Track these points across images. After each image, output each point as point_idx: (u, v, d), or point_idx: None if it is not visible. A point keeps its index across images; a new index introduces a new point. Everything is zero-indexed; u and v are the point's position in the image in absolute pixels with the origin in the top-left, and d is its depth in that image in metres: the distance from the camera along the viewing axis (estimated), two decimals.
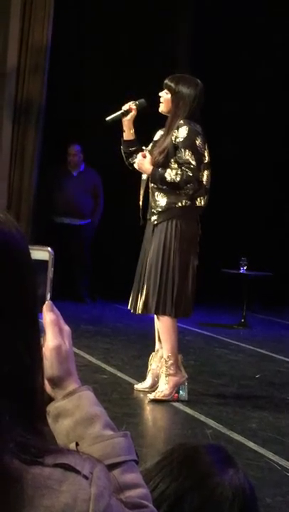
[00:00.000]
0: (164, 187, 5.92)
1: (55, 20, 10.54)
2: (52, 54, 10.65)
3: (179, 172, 5.87)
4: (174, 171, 5.89)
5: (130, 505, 1.19)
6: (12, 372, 1.08)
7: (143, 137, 6.29)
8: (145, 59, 10.99)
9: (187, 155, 5.89)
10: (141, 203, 6.14)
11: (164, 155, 5.92)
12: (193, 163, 5.88)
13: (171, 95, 5.99)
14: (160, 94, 6.05)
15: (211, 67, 11.38)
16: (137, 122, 6.21)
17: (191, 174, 5.87)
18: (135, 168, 6.15)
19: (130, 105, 6.14)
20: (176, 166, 5.91)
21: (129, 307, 6.17)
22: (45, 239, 9.09)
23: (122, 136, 6.23)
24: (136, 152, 6.11)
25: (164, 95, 6.03)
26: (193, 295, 6.04)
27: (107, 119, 6.15)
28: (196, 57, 11.39)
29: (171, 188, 5.92)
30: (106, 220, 11.06)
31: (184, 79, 6.08)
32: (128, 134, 6.19)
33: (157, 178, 5.92)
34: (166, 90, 6.03)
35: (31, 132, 10.63)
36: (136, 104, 6.13)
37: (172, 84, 6.00)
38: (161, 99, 6.04)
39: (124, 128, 6.19)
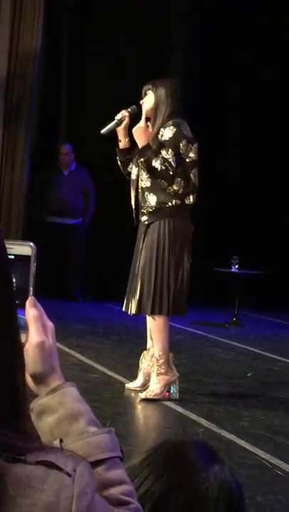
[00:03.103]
0: (147, 174, 5.91)
1: (46, 22, 10.53)
2: (43, 56, 10.65)
3: (164, 165, 5.87)
4: (160, 162, 5.87)
5: (114, 501, 1.18)
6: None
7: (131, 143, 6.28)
8: (140, 60, 10.98)
9: (169, 155, 5.89)
10: (133, 203, 6.13)
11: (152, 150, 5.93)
12: (174, 164, 5.90)
13: (152, 96, 6.02)
14: (141, 101, 6.07)
15: (211, 67, 11.41)
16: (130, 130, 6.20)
17: (171, 172, 5.88)
18: (132, 177, 6.14)
19: (123, 113, 6.14)
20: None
21: (124, 309, 6.15)
22: (38, 238, 9.04)
23: (118, 145, 6.22)
24: (132, 160, 6.12)
25: (146, 99, 6.06)
26: (187, 294, 6.03)
27: (103, 131, 6.14)
28: (195, 60, 11.41)
29: (148, 173, 5.91)
30: (98, 220, 11.06)
31: (160, 80, 6.18)
32: (124, 142, 6.19)
33: (145, 156, 5.90)
34: (145, 94, 6.06)
35: (21, 133, 10.62)
36: (128, 112, 6.13)
37: (150, 86, 6.08)
38: (143, 104, 6.07)
39: (120, 137, 6.18)
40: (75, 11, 11.39)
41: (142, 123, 5.99)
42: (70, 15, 11.41)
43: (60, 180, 11.05)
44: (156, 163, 5.87)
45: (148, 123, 6.03)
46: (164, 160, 5.88)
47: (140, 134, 5.96)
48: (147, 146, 5.92)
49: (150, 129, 6.02)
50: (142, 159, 5.91)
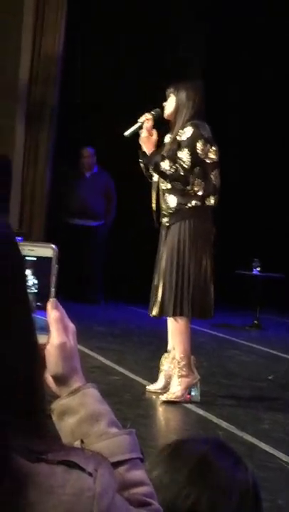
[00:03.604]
0: (171, 183, 5.93)
1: (68, 25, 10.58)
2: (65, 59, 10.69)
3: (174, 167, 5.90)
4: (170, 164, 5.90)
5: (135, 502, 1.18)
6: (11, 371, 1.07)
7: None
8: (156, 62, 10.99)
9: (185, 154, 5.92)
10: (154, 205, 6.14)
11: (169, 153, 5.95)
12: (188, 163, 5.91)
13: (174, 98, 6.05)
14: (164, 103, 6.11)
15: (211, 67, 11.39)
16: None
17: (182, 173, 5.89)
18: (153, 179, 6.16)
19: (146, 116, 6.15)
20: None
21: (149, 312, 6.16)
22: (59, 240, 9.06)
23: (140, 148, 6.24)
24: None
25: (168, 102, 6.08)
26: (212, 296, 6.02)
27: (126, 133, 6.15)
28: (195, 60, 11.41)
29: (161, 178, 5.93)
30: (120, 222, 11.07)
31: (182, 82, 6.19)
32: None
33: (152, 162, 5.95)
34: (168, 96, 6.08)
35: (44, 136, 10.67)
36: (152, 114, 6.14)
37: (172, 89, 6.10)
38: (166, 106, 6.09)
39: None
40: (97, 13, 11.42)
41: (144, 133, 6.02)
42: (92, 16, 11.44)
43: (82, 183, 11.08)
44: (164, 166, 5.89)
45: (152, 130, 6.04)
46: (175, 160, 5.89)
47: (147, 143, 6.00)
48: (153, 154, 5.94)
49: (155, 136, 6.04)
50: (150, 168, 5.96)
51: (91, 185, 11.04)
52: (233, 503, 1.39)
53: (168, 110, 6.10)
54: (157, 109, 6.18)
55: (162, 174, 5.94)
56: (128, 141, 6.21)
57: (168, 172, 5.91)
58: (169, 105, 6.10)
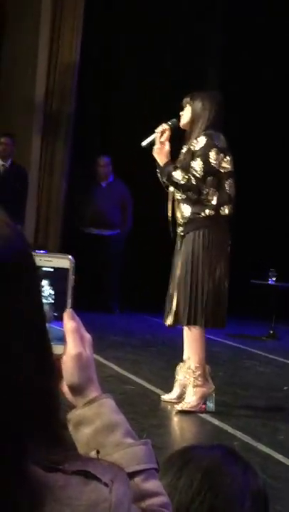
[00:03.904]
0: (184, 193, 5.95)
1: (85, 32, 10.62)
2: (81, 68, 10.74)
3: (186, 176, 5.92)
4: (182, 174, 5.93)
5: None
6: (27, 381, 1.08)
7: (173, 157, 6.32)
8: (176, 69, 11.02)
9: (198, 163, 5.93)
10: (170, 215, 6.16)
11: (183, 164, 5.97)
12: (200, 172, 5.93)
13: (189, 108, 6.06)
14: (181, 113, 6.12)
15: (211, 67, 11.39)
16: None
17: (194, 183, 5.92)
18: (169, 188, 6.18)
19: (163, 126, 6.16)
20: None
21: (164, 321, 6.17)
22: (75, 249, 9.10)
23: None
24: None
25: (184, 112, 6.10)
26: (226, 306, 6.03)
27: (143, 144, 6.16)
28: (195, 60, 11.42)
29: (175, 188, 5.95)
30: (136, 231, 11.08)
31: (199, 93, 6.20)
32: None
33: (165, 173, 5.98)
34: (184, 106, 6.10)
35: (60, 147, 10.71)
36: (169, 125, 6.15)
37: (188, 99, 6.13)
38: (182, 116, 6.11)
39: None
40: (107, 21, 11.46)
41: (157, 144, 6.03)
42: (105, 24, 11.48)
43: (98, 192, 11.10)
44: (177, 176, 5.92)
45: (166, 142, 6.05)
46: (189, 170, 5.91)
47: (160, 154, 6.02)
48: (166, 164, 5.97)
49: (168, 147, 6.05)
50: (164, 179, 5.98)
51: (107, 194, 11.06)
52: (246, 509, 1.40)
53: (184, 120, 6.12)
54: (174, 120, 6.19)
55: (175, 184, 5.97)
56: (146, 150, 6.23)
57: (180, 182, 5.93)
58: (185, 115, 6.12)
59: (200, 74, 11.13)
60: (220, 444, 1.52)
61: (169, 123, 6.18)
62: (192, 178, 5.93)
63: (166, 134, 6.16)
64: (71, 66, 10.62)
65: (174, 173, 5.95)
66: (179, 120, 6.16)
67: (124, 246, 11.11)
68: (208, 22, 11.59)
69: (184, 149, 6.15)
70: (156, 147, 6.06)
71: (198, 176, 5.94)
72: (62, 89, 10.63)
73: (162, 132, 6.16)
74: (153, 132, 6.18)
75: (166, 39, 11.28)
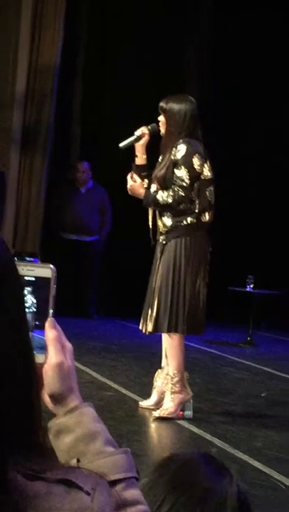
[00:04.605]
0: (178, 207, 5.96)
1: (64, 38, 10.62)
2: (60, 72, 10.73)
3: (171, 193, 5.92)
4: (166, 193, 5.94)
5: None
6: (9, 389, 1.08)
7: (151, 162, 6.32)
8: (157, 73, 11.03)
9: (182, 172, 5.93)
10: (150, 223, 6.17)
11: (163, 174, 5.96)
12: (187, 181, 5.93)
13: (164, 115, 6.05)
14: (159, 118, 6.12)
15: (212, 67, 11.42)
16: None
17: (183, 194, 5.92)
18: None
19: (143, 130, 6.17)
20: (172, 185, 5.96)
21: (140, 327, 6.17)
22: (54, 255, 9.10)
23: (134, 161, 6.26)
24: (147, 177, 6.15)
25: (161, 118, 6.10)
26: (204, 312, 6.05)
27: (121, 145, 6.17)
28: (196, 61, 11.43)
29: (164, 210, 5.97)
30: (114, 237, 11.09)
31: (174, 97, 6.15)
32: (141, 158, 6.22)
33: (150, 201, 6.00)
34: (161, 112, 6.09)
35: (39, 150, 10.68)
36: (148, 129, 6.16)
37: (163, 105, 6.08)
38: (160, 123, 6.10)
39: (137, 153, 6.22)
40: (90, 25, 11.46)
41: (129, 182, 6.07)
42: (86, 29, 11.49)
43: (77, 198, 11.10)
44: (163, 197, 5.93)
45: (133, 175, 6.07)
46: (176, 180, 5.91)
47: (134, 191, 6.08)
48: (146, 195, 6.01)
49: (138, 179, 6.09)
50: (151, 207, 5.99)
51: (86, 200, 11.06)
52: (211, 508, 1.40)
53: (162, 127, 6.09)
54: (154, 124, 6.19)
55: (165, 206, 5.96)
56: (125, 154, 6.24)
57: (169, 201, 5.93)
58: (162, 121, 6.08)
59: (180, 77, 11.16)
60: (202, 451, 1.53)
61: (149, 127, 6.18)
62: (179, 189, 5.92)
63: (145, 139, 6.17)
64: (51, 67, 10.60)
65: (158, 197, 5.95)
66: (158, 125, 6.15)
67: (103, 252, 11.11)
68: (190, 21, 11.63)
69: (160, 159, 6.12)
70: (128, 186, 6.07)
71: (185, 184, 5.94)
72: (42, 89, 10.60)
73: (141, 136, 6.16)
74: (132, 135, 6.19)
75: (147, 40, 11.29)
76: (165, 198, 5.94)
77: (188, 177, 5.94)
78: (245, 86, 11.71)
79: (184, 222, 6.00)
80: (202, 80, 11.59)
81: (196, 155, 5.98)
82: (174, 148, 6.00)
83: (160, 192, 5.96)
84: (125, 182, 6.22)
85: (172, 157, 5.99)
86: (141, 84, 11.12)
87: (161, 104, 6.10)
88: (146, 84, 10.96)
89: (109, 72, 11.44)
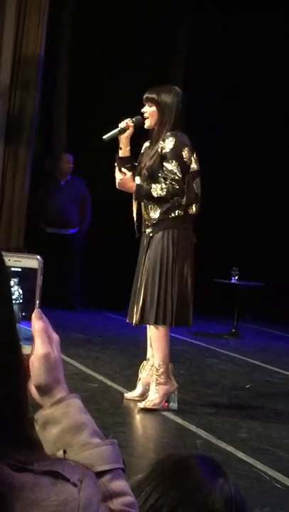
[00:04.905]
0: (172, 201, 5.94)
1: (49, 31, 10.58)
2: (44, 63, 10.69)
3: (164, 186, 5.90)
4: (160, 186, 5.92)
5: None
6: None
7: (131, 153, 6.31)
8: (142, 66, 11.01)
9: (173, 166, 5.92)
10: (135, 215, 6.15)
11: (152, 165, 5.95)
12: (179, 174, 5.92)
13: (156, 106, 6.03)
14: (143, 110, 6.08)
15: (211, 68, 11.41)
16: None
17: (177, 187, 5.91)
18: None
19: (127, 122, 6.15)
20: (162, 179, 5.93)
21: (128, 320, 6.16)
22: (36, 248, 9.10)
23: (118, 153, 6.24)
24: (131, 169, 6.14)
25: (148, 109, 6.06)
26: (192, 304, 6.05)
27: (104, 137, 6.15)
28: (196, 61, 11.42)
29: (157, 203, 5.95)
30: (98, 229, 11.08)
31: (163, 88, 6.14)
32: (124, 151, 6.20)
33: (143, 195, 5.97)
34: (148, 103, 6.06)
35: (24, 142, 10.64)
36: (133, 121, 6.14)
37: (154, 96, 6.04)
38: (146, 114, 6.07)
39: (121, 145, 6.19)
40: (74, 17, 11.42)
41: (118, 176, 6.05)
42: (70, 20, 11.45)
43: (57, 190, 11.07)
44: (157, 190, 5.90)
45: (123, 170, 6.04)
46: (167, 174, 5.90)
47: (124, 185, 6.04)
48: (138, 188, 5.97)
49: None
50: (144, 200, 5.97)
51: (66, 192, 11.04)
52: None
53: (151, 122, 6.06)
54: (138, 117, 6.17)
55: (158, 199, 5.94)
56: (108, 146, 6.22)
57: (162, 194, 5.91)
58: (152, 112, 6.06)
59: (166, 71, 11.15)
60: (200, 454, 1.51)
61: (134, 120, 6.17)
62: (173, 183, 5.91)
63: (129, 131, 6.15)
64: (35, 58, 10.56)
65: (152, 191, 5.92)
66: (143, 118, 6.14)
67: (86, 243, 11.10)
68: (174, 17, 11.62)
69: (149, 150, 6.12)
70: (117, 181, 6.04)
71: (177, 178, 5.92)
72: (27, 81, 10.56)
73: (125, 128, 6.15)
74: (116, 127, 6.17)
75: (147, 40, 11.27)
76: (159, 192, 5.91)
77: (179, 170, 5.93)
78: (245, 86, 11.72)
79: (172, 215, 5.99)
80: (202, 79, 11.58)
81: (186, 148, 5.97)
82: (161, 141, 5.98)
83: (153, 185, 5.93)
84: (111, 175, 6.20)
85: (159, 150, 5.97)
86: (141, 84, 11.10)
87: (152, 95, 6.06)
88: (147, 84, 10.93)
89: (109, 72, 11.41)
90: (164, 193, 5.90)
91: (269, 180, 11.77)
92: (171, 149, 5.94)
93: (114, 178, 6.22)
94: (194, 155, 6.06)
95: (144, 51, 11.23)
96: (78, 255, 11.02)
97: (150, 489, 1.41)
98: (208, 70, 11.84)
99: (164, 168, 5.93)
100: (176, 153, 5.94)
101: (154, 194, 5.92)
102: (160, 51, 11.43)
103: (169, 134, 5.98)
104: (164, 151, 5.96)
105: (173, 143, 5.95)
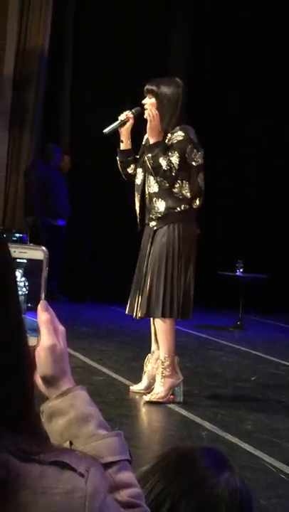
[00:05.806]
0: (159, 178, 5.92)
1: (53, 26, 10.58)
2: (48, 58, 10.69)
3: (169, 166, 5.90)
4: (167, 162, 5.90)
5: (123, 504, 1.19)
6: (2, 371, 1.08)
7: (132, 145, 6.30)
8: (142, 61, 11.00)
9: (175, 158, 5.91)
10: (138, 208, 6.14)
11: (158, 157, 5.93)
12: (177, 166, 5.93)
13: (155, 98, 6.01)
14: (144, 101, 6.06)
15: (211, 69, 11.39)
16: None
17: (174, 175, 5.91)
18: (130, 179, 6.17)
19: (127, 114, 6.13)
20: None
21: (127, 312, 6.15)
22: (39, 240, 9.25)
23: (119, 146, 6.23)
24: (133, 162, 6.13)
25: (148, 100, 6.04)
26: (192, 296, 6.05)
27: (105, 130, 6.13)
28: (195, 62, 11.41)
29: (152, 170, 5.92)
30: (100, 222, 11.09)
31: (163, 80, 6.13)
32: (126, 143, 6.19)
33: (155, 153, 5.92)
34: (148, 95, 6.05)
35: (27, 133, 10.66)
36: (132, 113, 6.13)
37: (154, 87, 6.03)
38: (146, 106, 6.04)
39: (122, 138, 6.18)
40: (77, 12, 11.41)
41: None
42: (73, 14, 11.43)
43: (56, 182, 11.10)
44: (163, 162, 5.90)
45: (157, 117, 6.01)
46: (170, 161, 5.91)
47: (154, 129, 5.96)
48: (157, 144, 5.93)
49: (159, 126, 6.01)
50: (149, 154, 5.94)
51: (63, 184, 11.10)
52: (191, 509, 1.38)
53: (151, 112, 6.04)
54: (138, 108, 6.15)
55: (158, 167, 5.92)
56: (107, 141, 6.21)
57: (163, 168, 5.90)
58: (152, 103, 6.03)
59: (166, 71, 11.13)
60: (206, 447, 1.51)
61: (133, 111, 6.15)
62: (174, 169, 5.91)
63: (130, 123, 6.14)
64: (39, 49, 10.56)
65: (160, 157, 5.91)
66: (143, 109, 6.11)
67: (93, 237, 11.12)
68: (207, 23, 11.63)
69: (147, 141, 6.09)
70: (149, 121, 5.98)
71: (176, 169, 5.93)
72: (30, 72, 10.56)
73: (125, 121, 6.13)
74: (116, 120, 6.15)
75: (147, 40, 11.25)
76: (163, 163, 5.87)
77: (178, 164, 5.93)
78: (245, 86, 11.70)
79: (178, 209, 5.99)
80: (202, 79, 11.56)
81: (191, 144, 5.96)
82: (169, 134, 5.97)
83: (163, 157, 5.90)
84: (112, 167, 6.20)
85: (167, 141, 5.96)
86: (141, 84, 11.08)
87: (152, 87, 6.04)
88: (132, 66, 10.92)
89: (109, 72, 11.39)
90: (166, 168, 5.89)
91: (276, 172, 11.76)
92: (177, 142, 5.95)
93: (114, 170, 6.23)
94: (200, 151, 6.03)
95: (144, 51, 11.22)
96: (64, 247, 11.00)
97: (155, 481, 1.41)
98: (208, 70, 11.82)
99: (167, 157, 5.93)
100: (180, 147, 5.94)
101: (160, 160, 5.89)
102: (160, 51, 11.41)
103: (178, 127, 5.96)
104: (170, 142, 5.95)
105: (181, 137, 5.95)
